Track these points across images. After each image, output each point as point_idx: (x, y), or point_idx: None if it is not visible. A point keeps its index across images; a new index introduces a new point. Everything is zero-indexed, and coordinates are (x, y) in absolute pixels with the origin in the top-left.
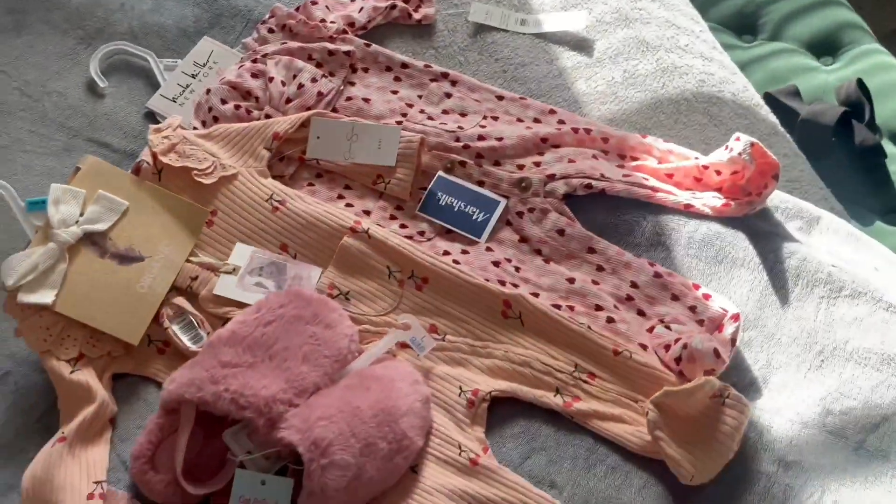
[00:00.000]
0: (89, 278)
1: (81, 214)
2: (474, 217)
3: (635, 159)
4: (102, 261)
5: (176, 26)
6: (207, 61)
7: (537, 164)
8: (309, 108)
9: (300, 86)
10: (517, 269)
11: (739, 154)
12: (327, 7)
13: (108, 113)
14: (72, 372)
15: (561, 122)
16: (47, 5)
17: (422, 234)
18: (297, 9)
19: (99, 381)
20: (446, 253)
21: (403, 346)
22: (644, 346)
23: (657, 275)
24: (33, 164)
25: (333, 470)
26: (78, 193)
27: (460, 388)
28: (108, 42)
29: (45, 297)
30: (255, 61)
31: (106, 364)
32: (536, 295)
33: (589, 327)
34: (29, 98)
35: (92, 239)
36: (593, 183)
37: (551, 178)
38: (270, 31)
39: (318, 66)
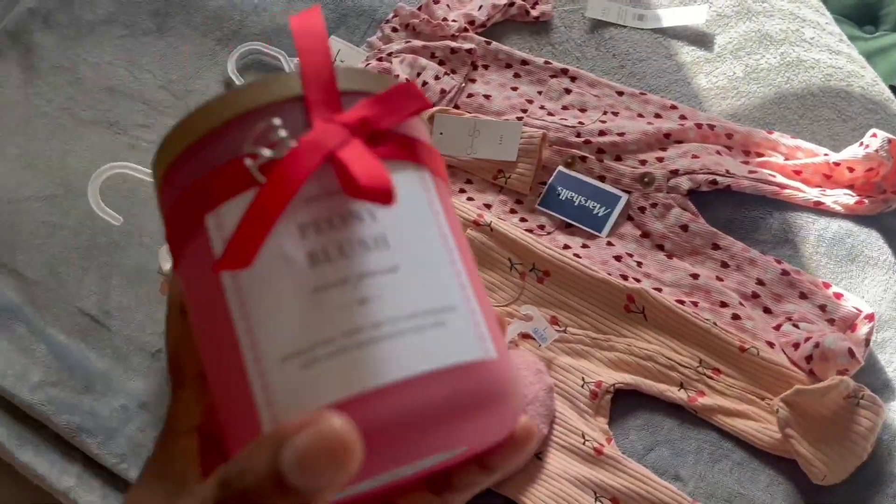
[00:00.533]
0: None
1: None
2: (595, 211)
3: (760, 155)
4: None
5: None
6: (335, 60)
7: (660, 160)
8: (432, 105)
9: (424, 83)
10: (639, 263)
11: (876, 151)
12: (448, 6)
13: None
14: None
15: (683, 117)
16: (188, 8)
17: (542, 227)
18: (420, 8)
19: None
20: (566, 247)
21: (525, 336)
22: (771, 344)
23: (784, 272)
24: None
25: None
26: None
27: (583, 378)
28: (243, 41)
29: None
30: (380, 59)
31: None
32: (659, 290)
33: (714, 323)
34: (174, 96)
35: None
36: (718, 179)
37: (675, 173)
38: (394, 29)
39: (441, 63)
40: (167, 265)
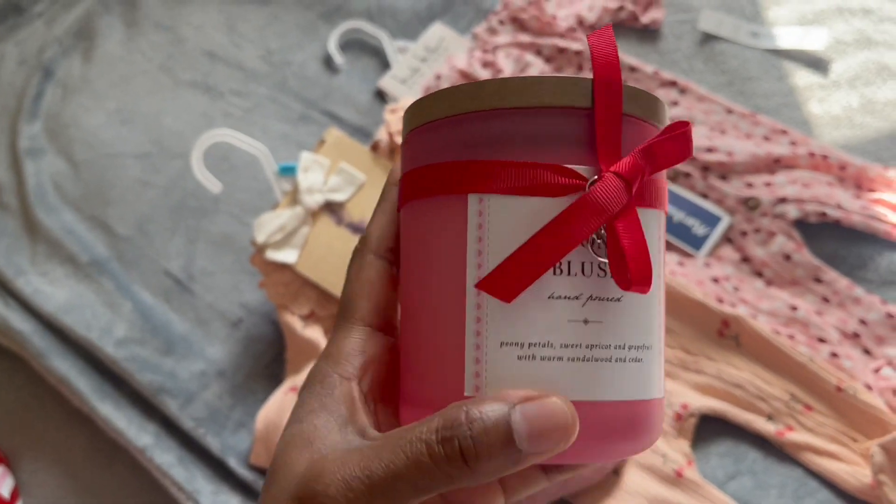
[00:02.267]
0: (326, 244)
1: (324, 183)
2: (694, 230)
3: (873, 191)
4: (338, 228)
5: (410, 9)
6: (438, 47)
7: (768, 185)
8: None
9: None
10: (735, 288)
11: None
12: (558, 3)
13: (341, 87)
14: (304, 328)
15: (794, 143)
16: None
17: None
18: (530, 2)
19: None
20: None
21: None
22: (868, 387)
23: (889, 315)
24: (271, 127)
25: None
26: (323, 163)
27: (667, 399)
28: (346, 18)
29: (289, 256)
30: (485, 51)
31: (331, 325)
32: (754, 318)
33: (811, 359)
34: (271, 66)
35: (331, 207)
36: (828, 212)
37: (782, 200)
38: (501, 22)
39: (547, 61)
40: (261, 237)
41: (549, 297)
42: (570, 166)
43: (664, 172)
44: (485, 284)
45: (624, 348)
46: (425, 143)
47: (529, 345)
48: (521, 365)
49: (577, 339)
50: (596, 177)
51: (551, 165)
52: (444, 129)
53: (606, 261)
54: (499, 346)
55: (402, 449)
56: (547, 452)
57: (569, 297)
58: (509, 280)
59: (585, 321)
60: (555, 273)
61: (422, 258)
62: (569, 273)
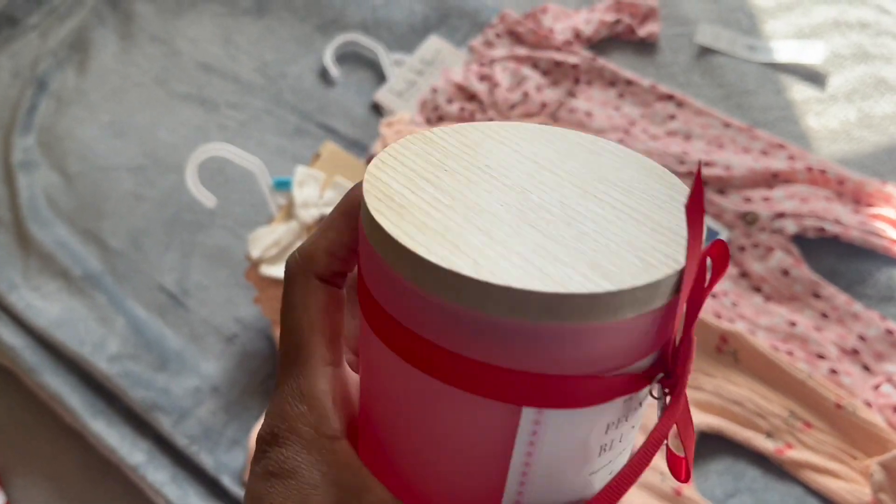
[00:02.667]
0: None
1: (319, 197)
2: None
3: (871, 206)
4: None
5: (405, 22)
6: (434, 59)
7: (766, 199)
8: (531, 116)
9: (525, 94)
10: (734, 303)
11: None
12: (555, 16)
13: (337, 100)
14: None
15: (791, 157)
16: None
17: None
18: (526, 16)
19: None
20: None
21: None
22: (868, 404)
23: (889, 331)
24: (267, 140)
25: None
26: (318, 177)
27: None
28: (342, 31)
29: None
30: (482, 65)
31: None
32: (753, 334)
33: (810, 375)
34: (267, 79)
35: None
36: (826, 227)
37: (781, 215)
38: (497, 35)
39: (544, 74)
40: (255, 251)
41: (590, 474)
42: (637, 373)
43: None
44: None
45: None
46: (449, 315)
47: None
48: None
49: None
50: (662, 375)
51: (625, 378)
52: (490, 325)
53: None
54: None
55: None
56: None
57: (607, 470)
58: (612, 498)
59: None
60: (599, 454)
61: (436, 438)
62: (611, 448)
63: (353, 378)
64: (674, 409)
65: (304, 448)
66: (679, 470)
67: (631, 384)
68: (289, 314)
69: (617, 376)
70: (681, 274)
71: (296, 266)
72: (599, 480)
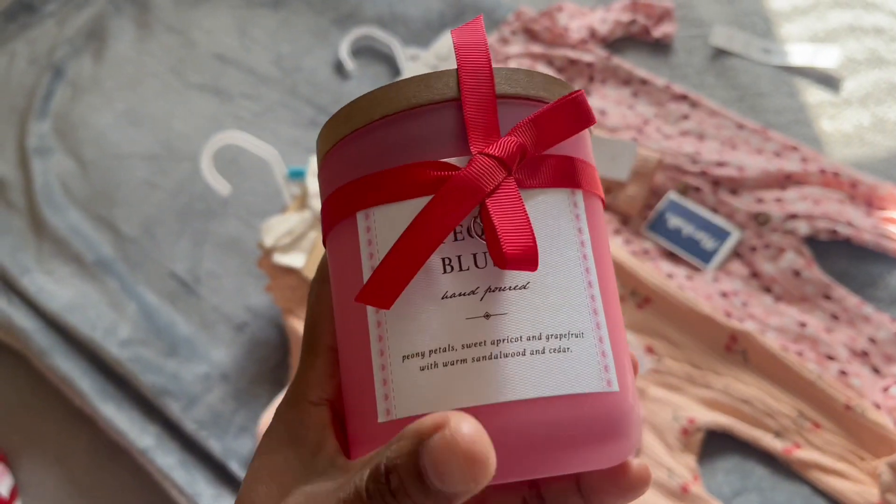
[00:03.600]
0: None
1: None
2: (703, 244)
3: (883, 209)
4: None
5: (421, 17)
6: (449, 55)
7: (778, 201)
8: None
9: None
10: (744, 303)
11: None
12: (571, 14)
13: (351, 94)
14: None
15: (805, 159)
16: None
17: (646, 252)
18: (542, 13)
19: None
20: (670, 276)
21: None
22: (877, 405)
23: None
24: (281, 132)
25: None
26: None
27: (674, 413)
28: (358, 25)
29: (297, 260)
30: (496, 61)
31: None
32: (763, 333)
33: (819, 376)
34: (282, 71)
35: None
36: (838, 229)
37: (793, 216)
38: (513, 32)
39: (558, 72)
40: (268, 240)
41: (442, 298)
42: (445, 160)
43: (585, 152)
44: (363, 296)
45: (540, 339)
46: (326, 172)
47: (430, 352)
48: (426, 376)
49: (479, 336)
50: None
51: (421, 163)
52: (333, 158)
53: (484, 243)
54: (401, 361)
55: (343, 497)
56: (466, 488)
57: (464, 294)
58: (386, 285)
59: (486, 315)
60: (445, 271)
61: (335, 284)
62: (460, 269)
63: None
64: (457, 186)
65: (286, 411)
66: (498, 255)
67: (427, 170)
68: (308, 310)
69: (413, 164)
70: (457, 76)
71: (315, 276)
72: (464, 312)
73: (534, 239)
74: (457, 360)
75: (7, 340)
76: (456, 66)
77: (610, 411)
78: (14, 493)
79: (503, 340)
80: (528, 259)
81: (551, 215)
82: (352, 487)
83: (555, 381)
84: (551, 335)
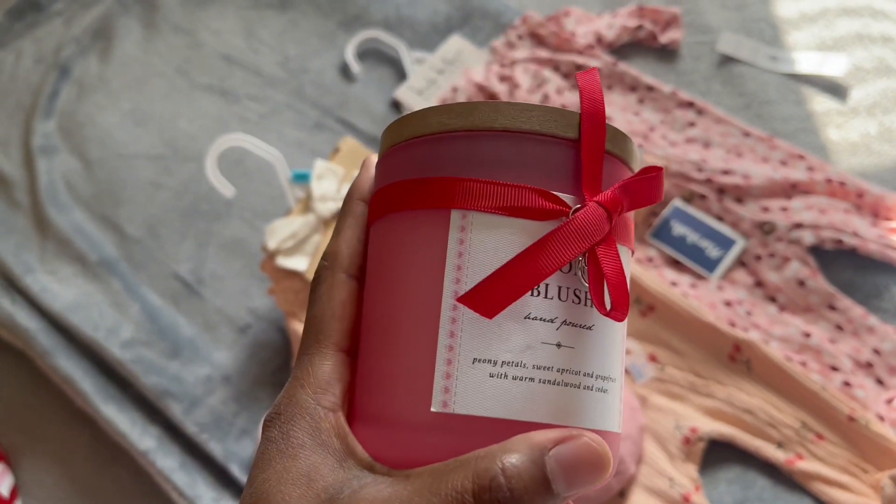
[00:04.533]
0: None
1: (337, 191)
2: (708, 252)
3: (889, 219)
4: None
5: (428, 21)
6: (455, 59)
7: (784, 210)
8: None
9: (545, 96)
10: (748, 312)
11: None
12: (577, 20)
13: (357, 96)
14: None
15: (811, 168)
16: None
17: (650, 260)
18: (549, 18)
19: None
20: (674, 284)
21: None
22: (881, 417)
23: None
24: (286, 134)
25: None
26: (337, 171)
27: (676, 422)
28: (364, 28)
29: (300, 263)
30: (503, 66)
31: None
32: (766, 343)
33: (823, 387)
34: (288, 73)
35: None
36: (844, 239)
37: (798, 226)
38: (519, 36)
39: (564, 77)
40: (272, 243)
41: (525, 318)
42: (554, 193)
43: (633, 213)
44: (467, 299)
45: (592, 377)
46: (409, 159)
47: (503, 363)
48: (493, 383)
49: (549, 361)
50: (579, 205)
51: (537, 189)
52: (429, 145)
53: (587, 286)
54: (471, 363)
55: (438, 499)
56: (583, 490)
57: (544, 320)
58: (492, 296)
59: (559, 345)
60: (533, 294)
61: (395, 271)
62: (546, 296)
63: None
64: (577, 228)
65: (300, 416)
66: (601, 302)
67: (541, 198)
68: (312, 306)
69: (530, 187)
70: (578, 118)
71: (323, 267)
72: (541, 336)
73: (628, 294)
74: (525, 378)
75: (9, 340)
76: (579, 111)
77: (616, 448)
78: (14, 492)
79: (567, 371)
80: (623, 311)
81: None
82: (446, 493)
83: (593, 416)
84: (599, 376)
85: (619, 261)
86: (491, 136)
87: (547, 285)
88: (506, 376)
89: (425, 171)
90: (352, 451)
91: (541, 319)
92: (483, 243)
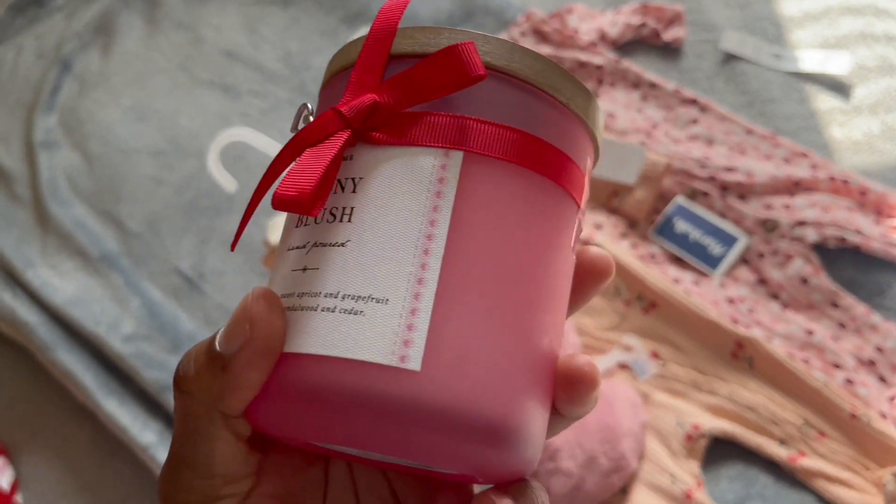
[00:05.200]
0: None
1: None
2: (710, 249)
3: (892, 217)
4: None
5: (430, 17)
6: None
7: (787, 207)
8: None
9: None
10: (751, 310)
11: None
12: (581, 17)
13: None
14: None
15: (814, 166)
16: None
17: (652, 256)
18: (552, 15)
19: None
20: (676, 281)
21: (623, 366)
22: (883, 415)
23: None
24: (288, 130)
25: (559, 476)
26: None
27: (678, 419)
28: (367, 23)
29: None
30: None
31: None
32: (769, 340)
33: (826, 384)
34: (290, 69)
35: None
36: (847, 237)
37: (801, 223)
38: (522, 33)
39: None
40: (273, 237)
41: (288, 250)
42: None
43: (481, 110)
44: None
45: (336, 297)
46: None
47: (282, 297)
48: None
49: (292, 287)
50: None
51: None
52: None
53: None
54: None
55: None
56: (242, 350)
57: (298, 247)
58: (240, 228)
59: (304, 269)
60: (297, 225)
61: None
62: (305, 224)
63: None
64: (296, 138)
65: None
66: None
67: (323, 122)
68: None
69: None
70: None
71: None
72: (294, 263)
73: (312, 184)
74: (288, 308)
75: (10, 334)
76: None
77: (409, 393)
78: (15, 486)
79: (306, 294)
80: (296, 202)
81: (397, 175)
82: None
83: (335, 341)
84: (347, 295)
85: (324, 154)
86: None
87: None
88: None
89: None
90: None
91: (296, 248)
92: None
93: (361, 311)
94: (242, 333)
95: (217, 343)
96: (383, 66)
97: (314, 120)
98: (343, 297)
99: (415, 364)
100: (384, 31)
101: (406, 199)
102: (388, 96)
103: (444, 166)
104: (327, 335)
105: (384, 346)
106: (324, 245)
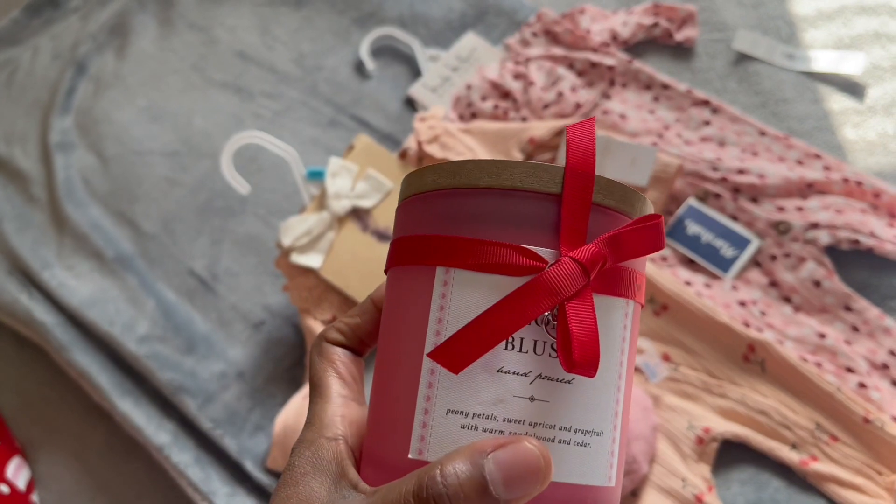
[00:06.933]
0: (351, 250)
1: (351, 189)
2: (722, 252)
3: None
4: (364, 235)
5: (443, 18)
6: (469, 56)
7: (799, 209)
8: (565, 117)
9: (559, 94)
10: (763, 313)
11: None
12: (592, 17)
13: (371, 94)
14: None
15: (827, 168)
16: None
17: (664, 259)
18: (564, 16)
19: None
20: (688, 283)
21: (635, 369)
22: None
23: None
24: (301, 131)
25: None
26: (352, 169)
27: (689, 422)
28: (379, 25)
29: (314, 260)
30: (517, 63)
31: None
32: (781, 344)
33: (838, 388)
34: (303, 70)
35: (357, 213)
36: (861, 239)
37: (814, 226)
38: (534, 34)
39: (579, 75)
40: (287, 240)
41: (498, 371)
42: (532, 248)
43: (643, 264)
44: (436, 354)
45: (570, 430)
46: (410, 214)
47: (473, 415)
48: (464, 434)
49: (520, 415)
50: (556, 260)
51: (513, 245)
52: (425, 202)
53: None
54: (445, 414)
55: (386, 501)
56: (524, 496)
57: (517, 374)
58: (459, 352)
59: (532, 398)
60: (507, 348)
61: (393, 322)
62: (521, 350)
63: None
64: (544, 283)
65: (305, 447)
66: (567, 358)
67: (517, 254)
68: (313, 363)
69: (507, 244)
70: (563, 173)
71: (318, 335)
72: (513, 389)
73: (598, 350)
74: (495, 430)
75: (27, 334)
76: (564, 165)
77: (604, 500)
78: (31, 485)
79: (539, 425)
80: (590, 367)
81: (607, 323)
82: (394, 497)
83: (570, 470)
84: (578, 430)
85: (591, 316)
86: (475, 193)
87: (521, 339)
88: (476, 428)
89: (420, 227)
90: (344, 473)
91: (513, 373)
92: (462, 299)
93: (588, 444)
94: (531, 493)
95: (493, 485)
96: (587, 217)
97: (560, 268)
98: (576, 432)
99: (614, 481)
100: (585, 174)
101: (611, 344)
102: (606, 252)
103: (626, 314)
104: (563, 465)
105: (603, 472)
106: (551, 379)
